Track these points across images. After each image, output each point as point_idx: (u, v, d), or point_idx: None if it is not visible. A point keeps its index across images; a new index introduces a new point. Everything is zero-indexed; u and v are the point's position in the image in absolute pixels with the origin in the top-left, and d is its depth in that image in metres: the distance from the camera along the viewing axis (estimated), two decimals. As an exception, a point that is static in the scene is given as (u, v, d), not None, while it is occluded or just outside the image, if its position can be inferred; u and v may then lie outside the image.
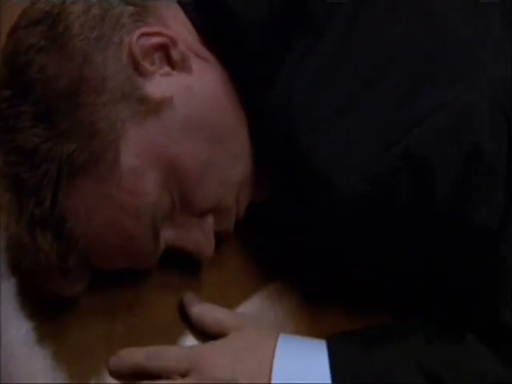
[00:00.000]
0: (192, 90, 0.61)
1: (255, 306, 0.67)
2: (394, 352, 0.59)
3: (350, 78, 0.57)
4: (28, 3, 0.60)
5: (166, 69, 0.60)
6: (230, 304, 0.65)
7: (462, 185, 0.54)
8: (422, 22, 0.56)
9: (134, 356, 0.60)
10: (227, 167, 0.63)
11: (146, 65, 0.59)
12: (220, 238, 0.66)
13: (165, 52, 0.60)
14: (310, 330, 0.63)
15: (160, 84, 0.60)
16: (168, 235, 0.63)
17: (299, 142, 0.57)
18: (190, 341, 0.63)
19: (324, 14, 0.61)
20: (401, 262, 0.59)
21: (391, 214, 0.56)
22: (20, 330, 0.64)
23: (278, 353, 0.59)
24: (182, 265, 0.67)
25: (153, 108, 0.59)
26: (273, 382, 0.58)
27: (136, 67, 0.59)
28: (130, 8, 0.60)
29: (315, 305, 0.66)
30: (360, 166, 0.55)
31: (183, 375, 0.59)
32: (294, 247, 0.67)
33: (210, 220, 0.64)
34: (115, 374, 0.60)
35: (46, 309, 0.64)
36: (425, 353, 0.59)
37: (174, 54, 0.60)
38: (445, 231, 0.56)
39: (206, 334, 0.63)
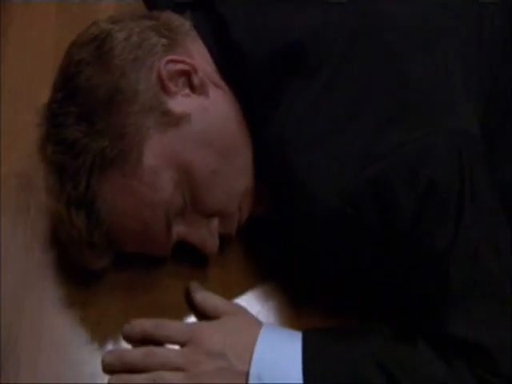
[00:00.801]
0: (207, 111, 0.72)
1: (248, 300, 0.77)
2: (357, 348, 0.70)
3: (332, 114, 0.68)
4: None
5: (187, 91, 0.72)
6: (228, 296, 0.77)
7: (418, 212, 0.64)
8: (395, 74, 0.68)
9: (144, 325, 0.72)
10: (232, 178, 0.74)
11: (171, 86, 0.71)
12: (224, 240, 0.76)
13: (187, 77, 0.72)
14: (292, 324, 0.74)
15: (181, 102, 0.71)
16: (179, 230, 0.74)
17: (290, 164, 0.68)
18: (191, 320, 0.75)
19: (315, 60, 0.71)
20: (365, 270, 0.70)
21: (357, 227, 0.67)
22: (54, 295, 0.76)
23: (261, 336, 0.70)
24: (193, 260, 0.79)
25: (173, 121, 0.71)
26: (254, 358, 0.68)
27: (162, 87, 0.71)
28: (163, 40, 0.73)
29: (298, 305, 0.77)
30: (335, 185, 0.66)
31: (182, 345, 0.71)
32: (287, 253, 0.78)
33: (215, 222, 0.75)
34: (128, 339, 0.73)
35: (78, 280, 0.76)
36: (382, 351, 0.69)
37: (195, 80, 0.72)
38: (401, 247, 0.66)
39: (205, 316, 0.74)
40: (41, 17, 1.03)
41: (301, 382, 0.68)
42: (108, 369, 0.71)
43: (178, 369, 0.70)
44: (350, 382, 0.68)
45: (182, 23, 0.76)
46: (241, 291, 0.79)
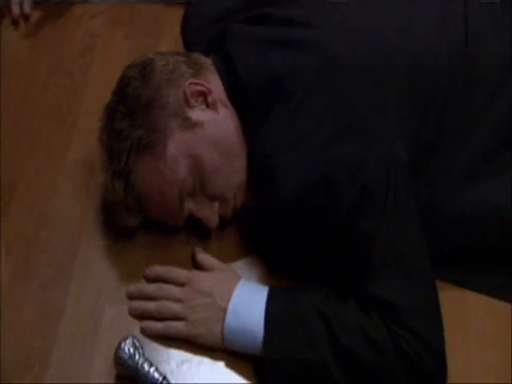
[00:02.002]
0: (216, 122, 0.99)
1: (238, 265, 1.03)
2: (305, 299, 0.93)
3: (299, 130, 0.93)
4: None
5: (203, 106, 1.00)
6: (222, 260, 1.01)
7: (353, 205, 0.88)
8: (345, 105, 0.93)
9: (159, 269, 1.00)
10: (230, 173, 1.00)
11: (192, 101, 0.98)
12: (222, 219, 1.01)
13: (204, 97, 0.99)
14: (266, 283, 0.98)
15: (198, 113, 0.98)
16: (190, 206, 0.99)
17: (269, 164, 0.93)
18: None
19: (291, 89, 0.95)
20: (314, 246, 0.95)
21: (309, 211, 0.91)
22: (99, 245, 1.04)
23: (239, 285, 0.95)
24: (199, 233, 1.04)
25: (191, 125, 0.97)
26: (232, 298, 0.93)
27: (185, 101, 0.98)
28: (190, 70, 1.01)
29: (272, 271, 1.02)
30: (296, 179, 0.91)
31: (182, 285, 0.97)
32: (267, 234, 1.02)
33: (216, 204, 1.01)
34: (146, 278, 1.00)
35: (117, 236, 1.04)
36: (322, 304, 0.92)
37: (209, 99, 0.99)
38: (339, 230, 0.90)
39: (202, 270, 1.00)
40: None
41: (263, 317, 0.91)
42: (130, 296, 0.99)
43: (177, 300, 0.97)
44: (297, 321, 0.91)
45: (205, 61, 1.04)
46: (232, 258, 1.04)
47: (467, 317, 1.01)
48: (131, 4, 1.37)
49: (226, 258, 1.04)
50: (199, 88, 0.99)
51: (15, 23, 1.36)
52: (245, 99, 1.00)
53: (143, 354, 0.90)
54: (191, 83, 0.99)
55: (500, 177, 1.03)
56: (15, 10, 1.36)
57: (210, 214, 1.01)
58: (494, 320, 1.01)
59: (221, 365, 0.94)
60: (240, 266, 1.04)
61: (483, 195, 1.03)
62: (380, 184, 0.91)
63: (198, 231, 1.05)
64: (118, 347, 0.90)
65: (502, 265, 1.05)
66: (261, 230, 1.05)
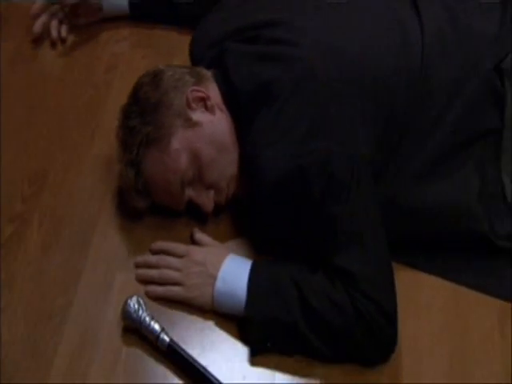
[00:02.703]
0: (213, 123, 1.13)
1: (229, 245, 1.16)
2: (282, 270, 1.07)
3: (280, 128, 1.06)
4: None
5: (202, 109, 1.13)
6: (217, 240, 1.16)
7: (322, 192, 1.01)
8: (320, 108, 1.06)
9: (162, 244, 1.15)
10: (224, 166, 1.13)
11: (193, 104, 1.12)
12: (217, 206, 1.16)
13: (203, 101, 1.13)
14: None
15: (198, 115, 1.12)
16: (189, 193, 1.13)
17: (254, 157, 1.07)
18: (190, 248, 1.16)
19: (275, 94, 1.08)
20: (290, 227, 1.08)
21: (286, 196, 1.05)
22: (113, 224, 1.19)
23: (229, 257, 1.10)
24: (197, 217, 1.19)
25: (192, 125, 1.11)
26: (222, 268, 1.07)
27: (188, 104, 1.12)
28: (193, 79, 1.14)
29: (258, 251, 1.16)
30: (277, 169, 1.04)
31: (181, 257, 1.11)
32: (253, 220, 1.16)
33: (211, 192, 1.14)
34: (151, 251, 1.15)
35: (128, 218, 1.20)
36: (296, 273, 1.06)
37: (208, 104, 1.13)
38: (310, 212, 1.04)
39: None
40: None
41: (246, 283, 1.05)
42: (137, 265, 1.14)
43: (176, 269, 1.11)
44: (275, 287, 1.05)
45: (206, 73, 1.18)
46: (225, 239, 1.18)
47: (419, 292, 1.13)
48: (149, 30, 1.52)
49: (220, 239, 1.18)
50: (200, 94, 1.13)
51: (53, 44, 1.51)
52: (237, 104, 1.13)
53: (146, 310, 1.04)
54: (193, 90, 1.13)
55: (451, 177, 1.16)
56: (54, 33, 1.50)
57: (207, 200, 1.15)
58: (441, 295, 1.13)
59: (210, 323, 1.08)
60: (231, 245, 1.18)
61: (436, 192, 1.15)
62: (345, 174, 1.04)
63: (196, 216, 1.19)
64: (125, 304, 1.05)
65: (450, 251, 1.17)
66: (248, 215, 1.18)
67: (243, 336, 1.07)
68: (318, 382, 1.04)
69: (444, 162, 1.15)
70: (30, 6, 1.46)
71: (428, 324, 1.11)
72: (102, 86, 1.43)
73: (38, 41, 1.52)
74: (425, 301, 1.13)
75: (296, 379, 1.04)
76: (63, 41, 1.52)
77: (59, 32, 1.52)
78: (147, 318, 1.04)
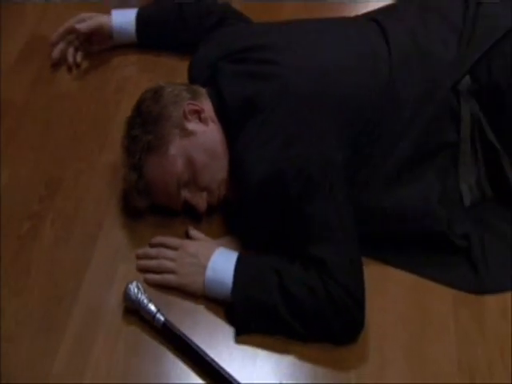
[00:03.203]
0: (206, 133, 1.24)
1: (221, 242, 1.27)
2: (265, 261, 1.18)
3: (263, 137, 1.18)
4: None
5: (197, 121, 1.24)
6: (210, 237, 1.28)
7: (299, 193, 1.13)
8: (296, 121, 1.17)
9: (159, 238, 1.26)
10: (215, 171, 1.23)
11: (189, 116, 1.23)
12: (210, 206, 1.26)
13: (198, 114, 1.24)
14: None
15: (193, 126, 1.23)
16: (185, 194, 1.24)
17: (240, 162, 1.19)
18: (186, 241, 1.28)
19: (259, 108, 1.19)
20: (272, 223, 1.20)
21: (268, 197, 1.16)
22: (118, 221, 1.31)
23: (218, 250, 1.21)
24: (192, 217, 1.30)
25: (187, 134, 1.22)
26: (212, 259, 1.18)
27: (184, 116, 1.22)
28: (189, 95, 1.26)
29: (244, 245, 1.27)
30: (259, 172, 1.15)
31: (176, 249, 1.22)
32: (242, 220, 1.27)
33: (204, 194, 1.25)
34: (151, 245, 1.26)
35: (130, 216, 1.31)
36: (276, 263, 1.16)
37: (202, 116, 1.24)
38: (289, 210, 1.15)
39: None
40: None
41: (232, 272, 1.15)
42: (138, 257, 1.25)
43: (172, 260, 1.22)
44: (258, 275, 1.16)
45: (201, 89, 1.30)
46: (216, 236, 1.29)
47: (386, 283, 1.24)
48: (155, 57, 1.61)
49: (212, 236, 1.29)
50: (195, 107, 1.24)
51: (70, 69, 1.60)
52: (227, 117, 1.25)
53: (144, 293, 1.16)
54: (189, 104, 1.24)
55: (415, 184, 1.26)
56: (70, 59, 1.59)
57: (200, 200, 1.26)
58: (405, 286, 1.24)
59: (201, 307, 1.19)
60: (221, 240, 1.28)
61: (403, 196, 1.25)
62: (320, 176, 1.15)
63: (191, 216, 1.30)
64: (126, 288, 1.16)
65: (415, 247, 1.27)
66: (237, 215, 1.30)
67: (230, 318, 1.18)
68: (294, 358, 1.14)
69: (409, 170, 1.25)
70: (50, 36, 1.57)
71: (392, 310, 1.21)
72: (111, 104, 1.53)
73: (56, 65, 1.61)
74: (390, 290, 1.24)
75: (275, 356, 1.15)
76: (78, 65, 1.61)
77: (75, 58, 1.61)
78: (145, 301, 1.15)
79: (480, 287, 1.24)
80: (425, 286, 1.25)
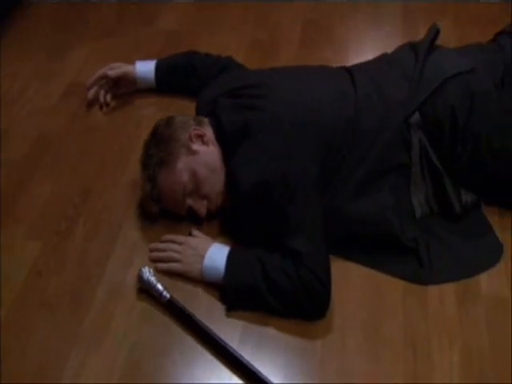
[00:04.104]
0: (207, 152, 1.45)
1: (219, 241, 1.46)
2: (251, 253, 1.37)
3: (252, 155, 1.37)
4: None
5: (200, 143, 1.45)
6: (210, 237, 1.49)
7: (280, 198, 1.33)
8: (275, 144, 1.37)
9: (168, 236, 1.49)
10: (214, 183, 1.44)
11: (194, 139, 1.44)
12: (209, 212, 1.48)
13: (201, 137, 1.45)
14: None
15: (197, 146, 1.44)
16: (189, 201, 1.45)
17: (234, 175, 1.39)
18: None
19: (250, 132, 1.38)
20: (260, 224, 1.40)
21: (256, 204, 1.36)
22: (135, 224, 1.55)
23: (214, 244, 1.42)
24: (195, 223, 1.51)
25: (192, 153, 1.43)
26: (209, 250, 1.38)
27: (190, 138, 1.44)
28: (194, 123, 1.47)
29: (235, 242, 1.46)
30: (250, 183, 1.34)
31: (181, 244, 1.44)
32: (236, 224, 1.48)
33: (205, 201, 1.46)
34: (161, 240, 1.48)
35: (143, 219, 1.55)
36: (261, 254, 1.35)
37: (204, 139, 1.45)
38: (273, 213, 1.35)
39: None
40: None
41: (225, 261, 1.35)
42: (150, 250, 1.47)
43: (177, 252, 1.43)
44: (245, 263, 1.35)
45: (204, 119, 1.52)
46: (215, 236, 1.49)
47: (348, 275, 1.44)
48: (170, 98, 1.83)
49: (210, 236, 1.49)
50: (199, 132, 1.47)
51: (101, 107, 1.83)
52: (224, 140, 1.47)
53: (154, 276, 1.38)
54: (194, 129, 1.47)
55: (372, 197, 1.46)
56: (101, 99, 1.82)
57: (201, 207, 1.48)
58: (364, 278, 1.43)
59: (200, 289, 1.40)
60: (218, 239, 1.48)
61: (363, 206, 1.45)
62: (297, 184, 1.36)
63: (194, 220, 1.51)
64: (140, 271, 1.39)
65: (374, 247, 1.46)
66: (230, 219, 1.51)
67: (222, 297, 1.38)
68: (273, 329, 1.34)
69: (369, 185, 1.46)
70: (86, 82, 1.85)
71: (353, 295, 1.41)
72: (133, 137, 1.75)
73: (90, 104, 1.85)
74: (352, 281, 1.44)
75: (258, 328, 1.35)
76: (108, 105, 1.84)
77: (105, 98, 1.84)
78: (154, 281, 1.38)
79: (424, 279, 1.44)
80: (380, 278, 1.44)
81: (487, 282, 1.45)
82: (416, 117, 1.50)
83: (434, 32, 1.64)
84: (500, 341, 1.34)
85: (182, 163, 1.45)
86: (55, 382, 1.27)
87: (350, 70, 1.62)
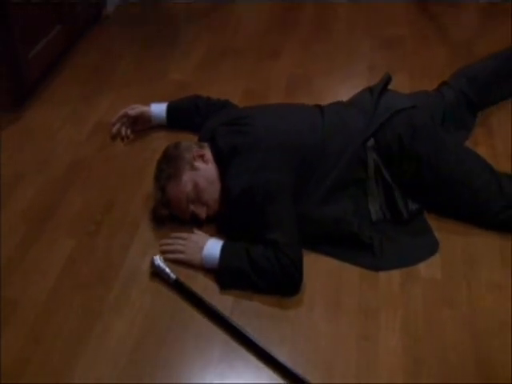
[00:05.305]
0: (206, 169, 1.74)
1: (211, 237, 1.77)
2: (240, 245, 1.63)
3: (242, 168, 1.65)
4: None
5: (201, 161, 1.75)
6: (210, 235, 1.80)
7: (262, 203, 1.61)
8: (258, 161, 1.65)
9: (175, 233, 1.80)
10: (212, 192, 1.73)
11: (196, 158, 1.74)
12: (208, 216, 1.79)
13: (202, 157, 1.75)
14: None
15: (198, 164, 1.74)
16: (192, 207, 1.73)
17: (228, 185, 1.67)
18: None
19: (241, 150, 1.68)
20: (247, 223, 1.70)
21: (245, 209, 1.65)
22: (145, 227, 1.87)
23: (211, 239, 1.71)
24: (197, 225, 1.79)
25: (194, 169, 1.72)
26: (207, 243, 1.67)
27: (193, 158, 1.74)
28: (196, 146, 1.78)
29: (228, 239, 1.76)
30: (237, 188, 1.63)
31: (185, 239, 1.76)
32: (231, 226, 1.79)
33: (205, 208, 1.74)
34: (170, 237, 1.82)
35: (155, 221, 1.85)
36: (248, 246, 1.61)
37: (204, 158, 1.75)
38: (256, 216, 1.63)
39: (195, 235, 1.81)
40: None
41: (219, 251, 1.63)
42: (161, 244, 1.75)
43: (182, 245, 1.71)
44: (235, 252, 1.62)
45: (205, 144, 1.81)
46: (213, 234, 1.73)
47: (318, 265, 1.71)
48: (177, 134, 2.11)
49: (209, 234, 1.74)
50: (200, 153, 1.77)
51: (122, 140, 2.14)
52: (220, 159, 1.76)
53: (163, 262, 1.69)
54: (196, 150, 1.77)
55: (335, 204, 1.73)
56: (123, 133, 2.14)
57: (202, 212, 1.76)
58: (331, 268, 1.70)
59: (199, 274, 1.68)
60: (215, 237, 1.72)
61: (328, 211, 1.72)
62: (276, 189, 1.64)
63: (196, 223, 1.78)
64: (152, 259, 1.68)
65: (339, 242, 1.73)
66: (224, 222, 1.79)
67: (217, 279, 1.65)
68: (257, 303, 1.61)
69: (333, 194, 1.74)
70: (110, 119, 2.20)
71: (318, 278, 1.66)
72: (148, 161, 2.02)
73: (114, 138, 2.17)
74: (319, 267, 1.70)
75: (245, 302, 1.61)
76: (128, 138, 2.16)
77: (126, 133, 2.15)
78: (164, 267, 1.68)
79: (377, 266, 1.72)
80: (341, 265, 1.71)
81: (425, 268, 1.74)
82: (371, 141, 1.80)
83: (387, 78, 2.01)
84: (431, 310, 1.64)
85: (187, 176, 1.75)
86: (87, 336, 1.58)
87: (321, 107, 1.97)
